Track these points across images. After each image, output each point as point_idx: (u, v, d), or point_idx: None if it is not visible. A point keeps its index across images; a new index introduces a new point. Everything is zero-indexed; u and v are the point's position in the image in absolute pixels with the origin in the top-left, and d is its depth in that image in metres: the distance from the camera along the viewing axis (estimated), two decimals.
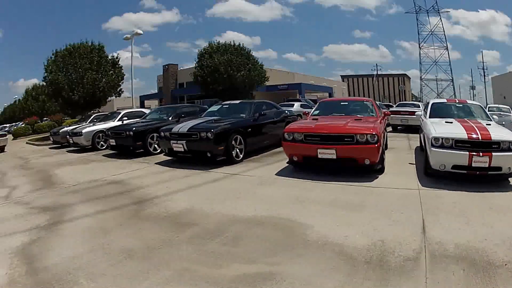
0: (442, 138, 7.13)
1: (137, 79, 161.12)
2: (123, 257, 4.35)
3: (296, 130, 8.28)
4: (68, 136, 16.73)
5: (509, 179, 7.18)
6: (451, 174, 7.14)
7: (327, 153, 7.67)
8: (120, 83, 30.91)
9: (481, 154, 6.72)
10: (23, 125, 39.52)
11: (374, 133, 7.56)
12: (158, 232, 5.12)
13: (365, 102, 10.96)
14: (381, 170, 8.16)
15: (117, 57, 31.41)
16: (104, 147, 15.37)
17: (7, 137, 22.15)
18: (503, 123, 16.18)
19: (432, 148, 7.21)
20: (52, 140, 20.69)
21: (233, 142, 10.01)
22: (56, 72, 27.95)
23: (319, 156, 7.77)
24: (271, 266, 4.00)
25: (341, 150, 7.62)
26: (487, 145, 6.84)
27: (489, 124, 8.01)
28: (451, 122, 8.24)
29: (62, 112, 34.86)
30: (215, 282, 3.64)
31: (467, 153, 6.81)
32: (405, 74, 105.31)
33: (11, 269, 4.22)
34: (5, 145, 20.69)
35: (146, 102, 56.58)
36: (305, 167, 8.51)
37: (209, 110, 13.15)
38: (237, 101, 13.58)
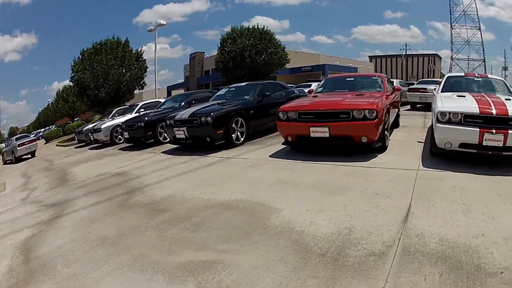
0: (449, 113, 6.42)
1: (166, 70, 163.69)
2: (96, 244, 4.57)
3: (290, 109, 7.91)
4: (90, 134, 17.14)
5: None
6: (459, 154, 6.47)
7: (320, 131, 7.25)
8: (143, 76, 31.51)
9: (494, 131, 5.95)
10: (55, 128, 40.69)
11: (372, 108, 7.05)
12: (134, 219, 5.25)
13: (373, 78, 10.51)
14: (383, 149, 7.67)
15: (141, 51, 32.19)
16: (122, 141, 15.47)
17: (37, 142, 23.10)
18: None
19: (438, 124, 6.55)
20: (77, 139, 21.21)
21: (233, 125, 9.84)
22: (82, 71, 28.87)
23: (312, 135, 7.36)
24: (219, 253, 3.89)
25: (335, 127, 7.16)
26: (503, 122, 6.05)
27: (509, 99, 7.14)
28: (464, 96, 7.48)
29: (91, 111, 35.73)
30: (160, 268, 3.67)
31: (478, 129, 6.07)
32: (436, 54, 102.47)
33: (12, 259, 4.63)
34: (35, 150, 21.55)
35: (173, 92, 57.31)
36: (302, 148, 8.20)
37: (216, 94, 12.95)
38: (243, 83, 13.42)
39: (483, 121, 6.13)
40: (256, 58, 33.75)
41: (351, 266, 3.37)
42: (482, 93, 7.79)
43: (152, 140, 12.71)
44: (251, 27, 36.27)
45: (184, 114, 10.20)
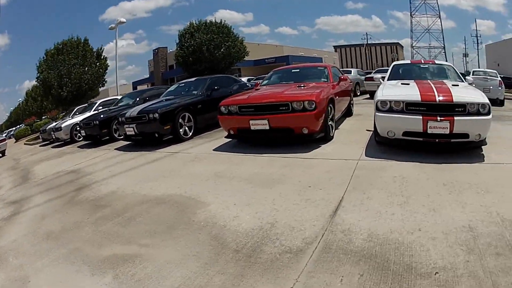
0: (390, 101, 6.11)
1: (133, 66, 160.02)
2: (43, 238, 4.69)
3: (231, 103, 7.77)
4: (52, 132, 16.94)
5: (483, 147, 6.11)
6: (407, 142, 6.14)
7: (260, 124, 7.10)
8: (104, 73, 31.46)
9: (439, 118, 5.65)
10: (23, 126, 39.91)
11: (312, 99, 6.82)
12: (78, 215, 5.33)
13: (319, 68, 10.22)
14: (327, 139, 7.51)
15: (101, 49, 32.06)
16: (81, 139, 15.12)
17: (6, 141, 22.42)
18: (491, 87, 15.50)
19: (377, 113, 6.25)
20: (41, 138, 20.85)
21: (180, 120, 9.80)
22: (47, 71, 28.65)
23: (252, 127, 7.22)
24: (141, 247, 3.90)
25: (274, 119, 6.99)
26: (448, 108, 5.76)
27: (456, 85, 6.89)
28: (408, 84, 7.07)
29: (57, 109, 35.24)
30: (88, 261, 3.78)
31: (421, 117, 5.78)
32: (398, 43, 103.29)
33: None
34: (5, 150, 20.99)
35: (139, 87, 56.76)
36: (247, 141, 8.11)
37: (168, 90, 12.71)
38: (193, 79, 13.29)
39: (427, 108, 5.86)
40: (215, 52, 33.73)
41: (263, 264, 3.22)
42: (429, 80, 7.50)
43: (107, 137, 12.65)
44: (208, 21, 36.25)
45: (134, 111, 10.16)
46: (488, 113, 5.68)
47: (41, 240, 4.65)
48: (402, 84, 7.25)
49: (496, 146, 6.42)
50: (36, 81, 33.05)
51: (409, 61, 10.61)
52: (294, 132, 7.03)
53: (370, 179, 5.03)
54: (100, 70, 31.87)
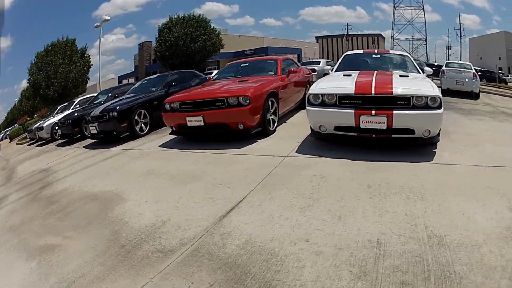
0: (322, 95, 5.61)
1: (122, 60, 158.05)
2: (6, 231, 5.15)
3: (173, 100, 7.70)
4: (36, 132, 17.21)
5: (438, 144, 5.59)
6: (348, 137, 5.67)
7: (195, 120, 7.07)
8: (88, 71, 32.29)
9: (373, 112, 5.10)
10: (17, 126, 40.07)
11: (246, 94, 6.65)
12: (34, 210, 5.71)
13: (268, 61, 9.83)
14: (267, 134, 7.31)
15: (85, 47, 32.61)
16: (59, 137, 15.39)
17: (1, 143, 22.81)
18: (465, 79, 15.01)
19: (307, 107, 5.82)
20: (28, 137, 21.11)
21: (136, 118, 9.86)
22: (37, 73, 29.30)
23: (188, 124, 7.18)
24: (63, 239, 4.18)
25: (209, 115, 6.91)
26: (388, 101, 5.19)
27: (406, 76, 6.43)
28: (350, 75, 6.40)
29: (48, 107, 35.60)
30: (27, 249, 4.22)
31: (353, 111, 5.22)
32: (380, 34, 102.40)
33: None
34: None
35: (124, 82, 56.70)
36: (193, 137, 8.01)
37: (132, 87, 12.56)
38: (155, 75, 13.42)
39: (362, 101, 5.32)
40: (191, 45, 34.10)
41: (134, 260, 3.25)
42: (376, 71, 6.69)
43: (79, 136, 12.89)
44: (187, 15, 36.55)
45: (97, 110, 10.24)
46: (438, 107, 5.11)
47: (5, 232, 5.10)
48: (344, 75, 6.69)
49: (454, 144, 5.99)
50: (27, 83, 33.81)
51: (361, 51, 9.78)
52: (230, 128, 6.96)
53: (285, 178, 4.74)
54: (84, 68, 32.41)
